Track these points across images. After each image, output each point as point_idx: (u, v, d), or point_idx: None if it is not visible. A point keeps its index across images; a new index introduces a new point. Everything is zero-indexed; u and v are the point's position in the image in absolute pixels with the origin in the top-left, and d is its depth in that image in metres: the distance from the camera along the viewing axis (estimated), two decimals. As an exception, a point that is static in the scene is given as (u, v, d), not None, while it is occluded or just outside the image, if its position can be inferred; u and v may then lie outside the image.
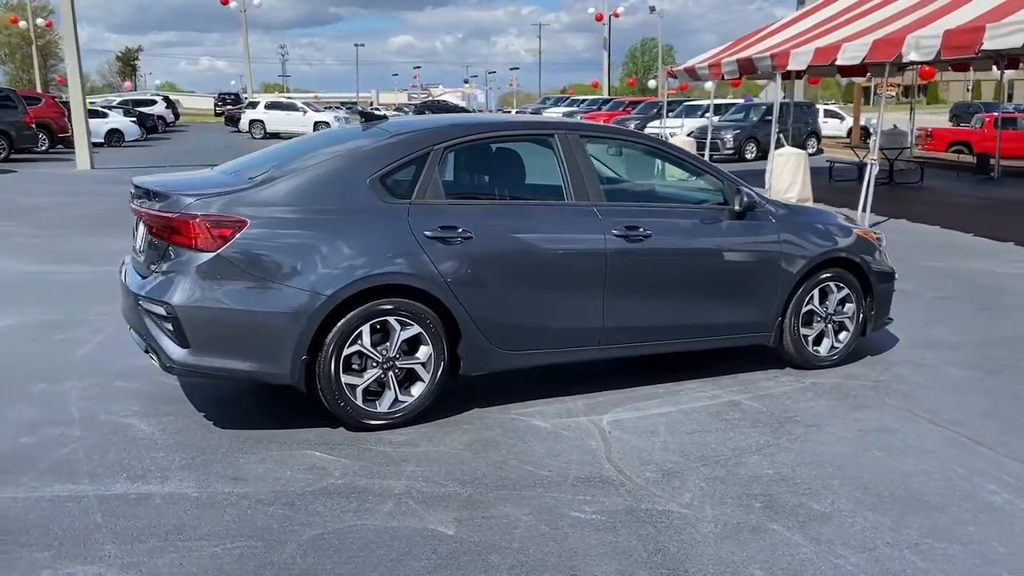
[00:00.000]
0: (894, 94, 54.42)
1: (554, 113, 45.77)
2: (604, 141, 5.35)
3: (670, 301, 5.03)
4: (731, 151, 23.15)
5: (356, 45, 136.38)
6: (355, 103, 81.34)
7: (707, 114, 26.82)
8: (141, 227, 4.59)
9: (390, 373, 4.39)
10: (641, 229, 4.86)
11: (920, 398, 5.04)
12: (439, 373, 4.48)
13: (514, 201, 4.92)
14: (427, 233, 4.40)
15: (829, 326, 5.55)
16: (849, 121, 33.86)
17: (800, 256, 5.33)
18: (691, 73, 18.17)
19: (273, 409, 4.74)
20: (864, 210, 11.37)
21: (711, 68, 16.84)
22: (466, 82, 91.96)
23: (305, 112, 33.85)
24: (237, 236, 4.12)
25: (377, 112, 5.14)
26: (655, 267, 4.94)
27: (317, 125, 33.03)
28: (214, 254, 4.10)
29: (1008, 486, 3.87)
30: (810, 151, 24.80)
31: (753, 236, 5.24)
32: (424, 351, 4.44)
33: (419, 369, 4.45)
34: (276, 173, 4.46)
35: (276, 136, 33.51)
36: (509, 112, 45.06)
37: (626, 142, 5.48)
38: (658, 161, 5.78)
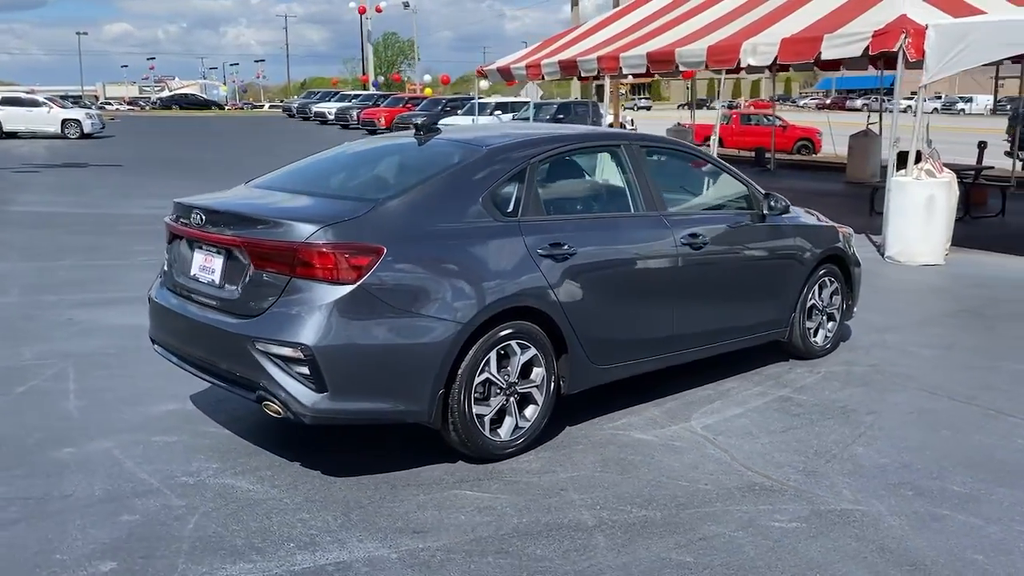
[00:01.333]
0: (624, 91, 58.57)
1: (329, 107, 44.40)
2: (661, 152, 5.40)
3: (722, 304, 5.22)
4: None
5: (78, 33, 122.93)
6: (80, 96, 74.23)
7: (496, 112, 27.54)
8: (216, 258, 4.08)
9: (511, 399, 4.20)
10: (700, 236, 4.99)
11: (923, 379, 5.60)
12: (551, 394, 4.35)
13: (601, 214, 4.85)
14: (539, 251, 4.24)
15: (824, 317, 6.01)
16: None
17: (810, 254, 5.73)
18: (504, 73, 18.49)
19: (356, 448, 4.34)
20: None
21: (529, 69, 17.24)
22: (204, 76, 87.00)
23: (50, 109, 30.21)
24: (376, 266, 3.75)
25: (432, 124, 4.84)
26: (712, 272, 5.10)
27: (66, 123, 29.76)
28: (354, 286, 3.71)
29: (1074, 451, 4.45)
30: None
31: (778, 238, 5.55)
32: (537, 373, 4.28)
33: (534, 392, 4.29)
34: (385, 193, 4.12)
35: (14, 136, 29.85)
36: (262, 105, 42.94)
37: (677, 153, 5.57)
38: (687, 169, 5.89)
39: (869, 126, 18.20)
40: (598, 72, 15.17)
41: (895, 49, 9.75)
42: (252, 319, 3.84)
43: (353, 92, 44.45)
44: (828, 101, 71.66)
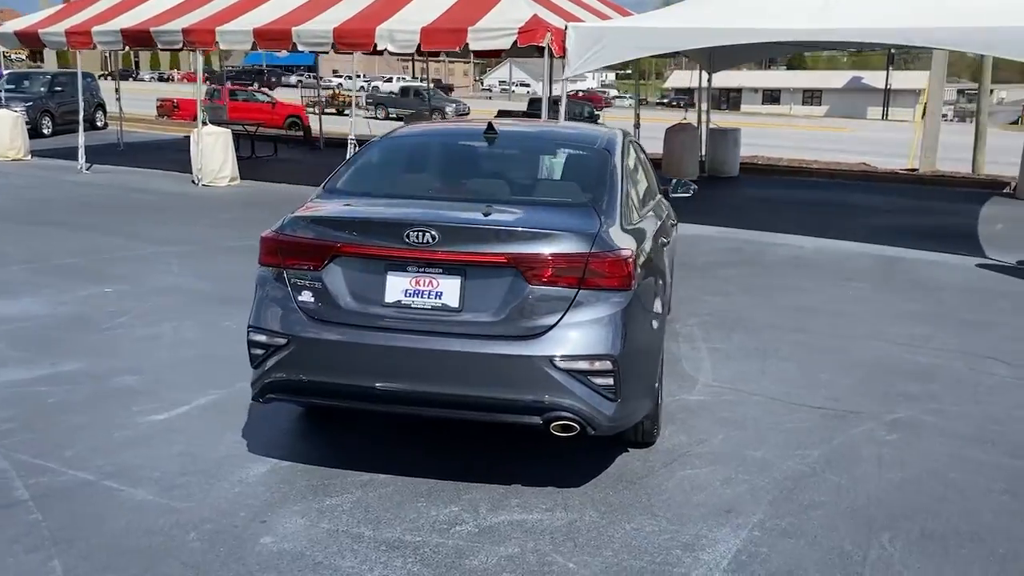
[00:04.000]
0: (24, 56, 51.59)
1: None
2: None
3: None
4: (28, 126, 20.33)
5: None
6: None
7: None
8: (445, 279, 3.75)
9: None
10: None
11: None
12: None
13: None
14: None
15: None
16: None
17: None
18: (28, 38, 15.68)
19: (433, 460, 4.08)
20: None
21: (73, 36, 14.90)
22: None
23: None
24: (636, 269, 3.83)
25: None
26: None
27: None
28: (632, 292, 3.76)
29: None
30: (99, 124, 23.44)
31: None
32: None
33: None
34: (586, 196, 4.22)
35: None
36: None
37: None
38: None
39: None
40: (189, 45, 13.88)
41: (543, 44, 11.07)
42: (537, 338, 3.62)
43: None
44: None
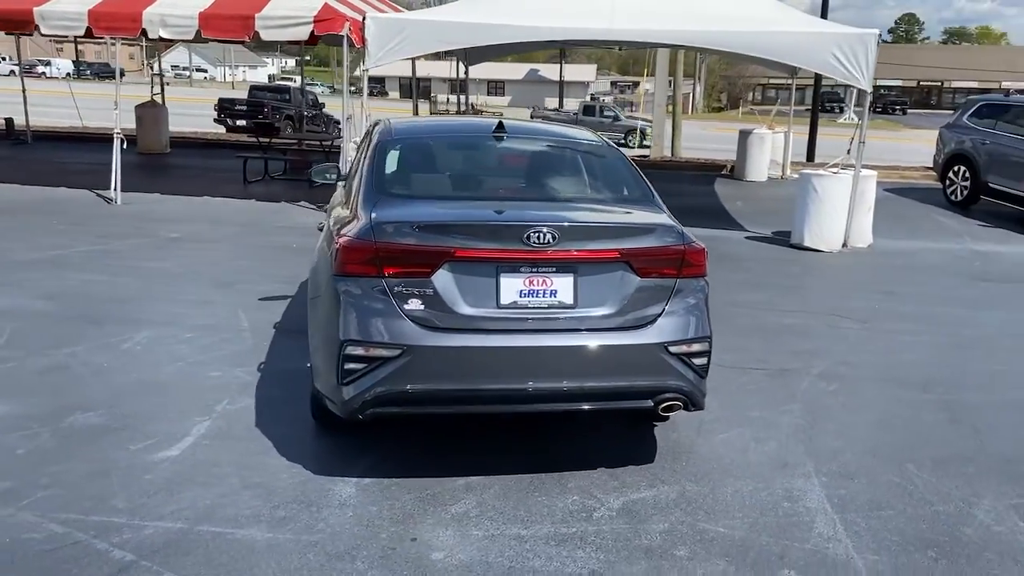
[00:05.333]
0: None
1: None
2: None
3: None
4: None
5: None
6: None
7: None
8: (558, 277, 3.85)
9: None
10: None
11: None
12: None
13: None
14: None
15: None
16: None
17: None
18: None
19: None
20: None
21: None
22: None
23: None
24: None
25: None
26: None
27: None
28: (706, 279, 4.13)
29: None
30: None
31: None
32: None
33: None
34: (633, 192, 4.55)
35: None
36: None
37: None
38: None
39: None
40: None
41: (342, 34, 10.87)
42: (648, 327, 3.89)
43: None
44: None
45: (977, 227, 12.33)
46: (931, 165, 16.18)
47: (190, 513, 3.67)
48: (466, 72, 17.54)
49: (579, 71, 63.66)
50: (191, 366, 5.49)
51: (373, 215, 3.94)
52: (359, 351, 3.74)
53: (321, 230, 4.78)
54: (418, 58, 15.10)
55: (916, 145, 27.99)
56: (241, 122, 22.55)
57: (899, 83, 67.95)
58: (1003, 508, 4.01)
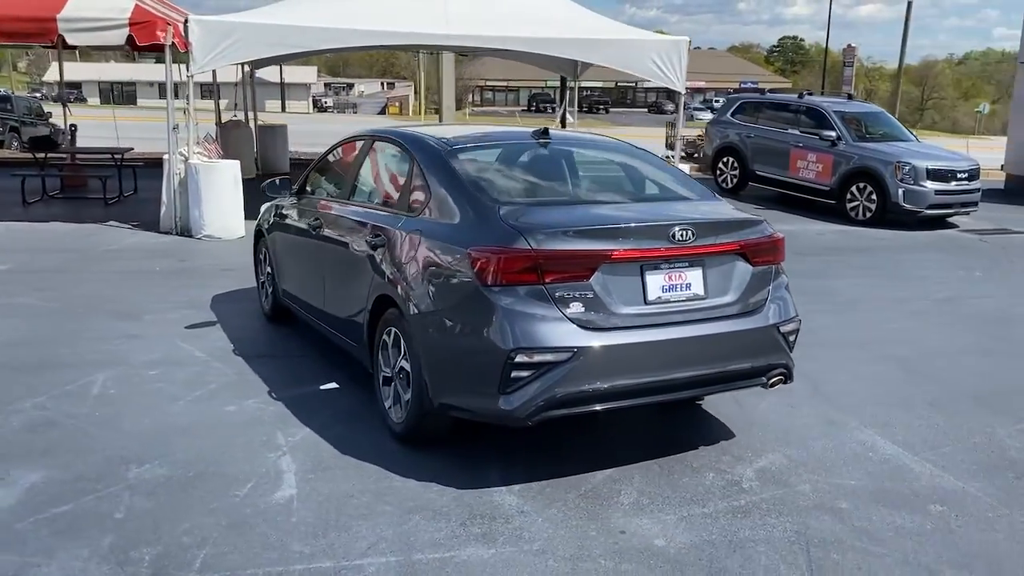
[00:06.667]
0: None
1: None
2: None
3: None
4: None
5: None
6: None
7: None
8: (690, 271, 4.10)
9: None
10: None
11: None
12: None
13: None
14: None
15: None
16: None
17: None
18: None
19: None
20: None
21: None
22: None
23: None
24: None
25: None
26: None
27: None
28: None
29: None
30: None
31: None
32: None
33: None
34: (687, 192, 4.82)
35: None
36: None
37: None
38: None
39: None
40: None
41: (164, 41, 10.01)
42: (761, 311, 4.25)
43: None
44: None
45: (754, 210, 14.00)
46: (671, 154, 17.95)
47: (386, 545, 3.45)
48: (252, 75, 16.62)
49: (300, 73, 62.00)
50: (195, 403, 4.97)
51: (513, 223, 3.92)
52: (525, 358, 3.73)
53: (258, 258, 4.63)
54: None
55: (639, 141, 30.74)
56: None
57: (600, 84, 73.65)
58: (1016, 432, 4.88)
